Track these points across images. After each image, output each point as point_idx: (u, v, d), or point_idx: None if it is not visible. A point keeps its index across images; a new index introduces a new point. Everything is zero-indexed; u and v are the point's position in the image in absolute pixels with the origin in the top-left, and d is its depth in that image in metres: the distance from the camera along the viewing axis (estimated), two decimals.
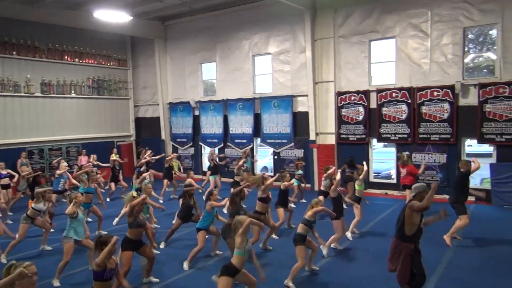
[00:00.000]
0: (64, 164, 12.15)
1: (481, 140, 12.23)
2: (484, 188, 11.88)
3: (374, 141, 14.42)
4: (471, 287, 6.32)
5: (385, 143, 15.22)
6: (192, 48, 18.11)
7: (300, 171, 12.75)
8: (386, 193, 13.60)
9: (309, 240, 6.83)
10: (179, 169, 15.29)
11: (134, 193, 7.08)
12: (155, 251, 7.98)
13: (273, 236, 8.83)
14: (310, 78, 14.60)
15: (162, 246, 8.64)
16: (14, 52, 15.89)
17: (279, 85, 15.82)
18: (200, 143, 18.26)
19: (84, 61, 18.28)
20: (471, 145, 16.98)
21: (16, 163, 14.50)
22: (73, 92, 17.89)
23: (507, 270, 6.94)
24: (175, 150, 19.04)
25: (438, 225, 5.60)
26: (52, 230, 9.05)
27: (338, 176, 8.15)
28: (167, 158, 14.14)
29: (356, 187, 9.20)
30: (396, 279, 5.56)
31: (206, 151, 18.43)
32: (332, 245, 8.03)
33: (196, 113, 18.29)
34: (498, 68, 11.85)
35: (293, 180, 11.05)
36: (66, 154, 17.47)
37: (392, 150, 14.45)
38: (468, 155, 14.14)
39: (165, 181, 13.72)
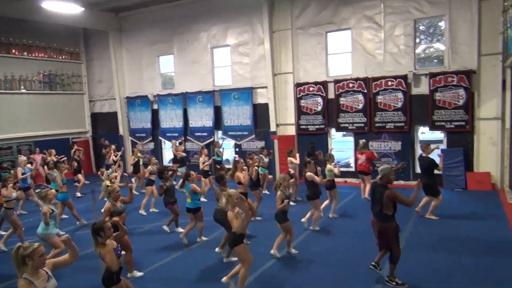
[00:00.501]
0: (22, 158, 11.91)
1: (433, 127, 12.81)
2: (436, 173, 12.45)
3: (333, 131, 14.74)
4: (428, 265, 6.62)
5: (344, 133, 15.58)
6: (148, 41, 17.68)
7: (266, 159, 12.76)
8: (345, 181, 13.95)
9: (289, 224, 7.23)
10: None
11: (108, 182, 6.99)
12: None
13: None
14: (269, 70, 14.68)
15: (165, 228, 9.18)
16: None
17: (238, 77, 15.80)
18: (160, 138, 17.94)
19: (33, 55, 17.44)
20: (424, 133, 17.72)
21: None
22: (22, 87, 17.02)
23: (460, 248, 7.34)
24: (134, 145, 18.55)
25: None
26: None
27: (297, 160, 8.96)
28: (133, 155, 14.16)
29: (327, 173, 9.62)
30: (394, 256, 5.75)
31: (166, 145, 18.15)
32: (311, 227, 8.66)
33: (155, 107, 17.93)
34: (446, 58, 12.41)
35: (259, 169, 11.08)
36: (18, 152, 16.63)
37: (351, 139, 14.83)
38: (421, 142, 14.77)
39: (137, 174, 14.03)
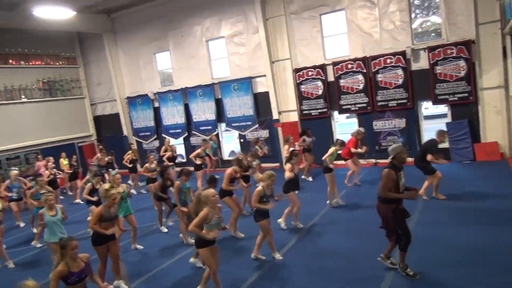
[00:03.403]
0: (14, 172, 11.62)
1: (436, 101, 12.69)
2: (444, 147, 12.38)
3: (335, 113, 14.67)
4: (441, 241, 6.59)
5: (347, 115, 15.51)
6: (143, 39, 17.61)
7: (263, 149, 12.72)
8: (376, 163, 13.57)
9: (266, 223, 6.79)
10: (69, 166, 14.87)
11: (107, 186, 6.80)
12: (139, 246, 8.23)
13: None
14: (267, 58, 14.58)
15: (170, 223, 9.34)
16: None
17: (236, 68, 15.72)
18: (164, 135, 17.99)
19: (31, 63, 17.46)
20: (427, 108, 17.59)
21: None
22: (23, 96, 17.09)
23: (472, 221, 7.30)
24: (139, 145, 18.69)
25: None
26: None
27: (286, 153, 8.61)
28: (127, 156, 14.04)
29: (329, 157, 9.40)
30: (399, 241, 5.47)
31: (171, 142, 18.17)
32: (292, 222, 8.19)
33: (156, 104, 17.94)
34: (444, 30, 12.23)
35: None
36: (26, 161, 16.80)
37: (354, 120, 14.76)
38: (426, 117, 14.70)
39: (133, 175, 14.01)
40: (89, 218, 8.41)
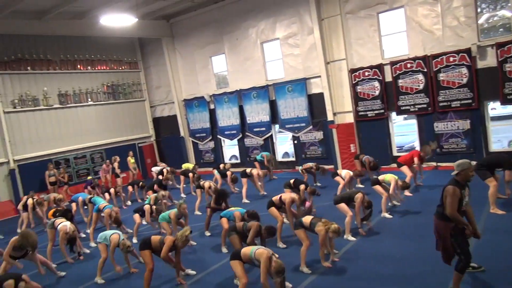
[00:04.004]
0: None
1: (505, 101, 11.87)
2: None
3: (393, 114, 14.18)
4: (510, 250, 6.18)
5: (405, 116, 14.93)
6: (200, 43, 18.10)
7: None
8: (437, 166, 12.98)
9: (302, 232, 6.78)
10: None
11: (187, 232, 6.84)
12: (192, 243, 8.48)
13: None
14: (321, 59, 14.42)
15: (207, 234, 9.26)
16: (28, 67, 16.28)
17: (290, 69, 15.70)
18: (219, 136, 18.35)
19: (96, 68, 18.57)
20: (494, 108, 16.50)
21: (45, 175, 14.97)
22: (89, 99, 18.22)
23: None
24: (195, 145, 19.25)
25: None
26: None
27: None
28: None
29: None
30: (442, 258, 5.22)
31: (225, 143, 18.57)
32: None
33: (212, 106, 18.36)
34: None
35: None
36: (91, 161, 17.88)
37: (413, 122, 14.19)
38: (493, 118, 13.77)
39: (182, 177, 14.40)
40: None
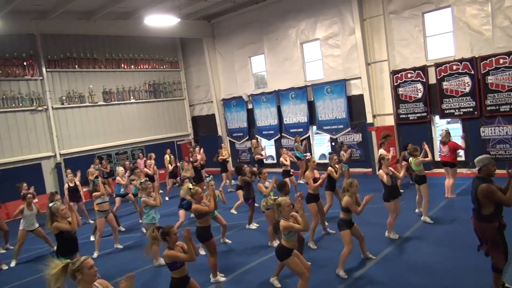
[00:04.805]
0: (120, 169, 12.16)
1: None
2: None
3: (436, 118, 13.70)
4: None
5: (449, 119, 14.38)
6: (239, 43, 18.24)
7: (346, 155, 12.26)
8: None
9: (355, 227, 6.62)
10: (170, 163, 15.24)
11: (190, 185, 7.22)
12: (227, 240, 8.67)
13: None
14: (362, 60, 14.15)
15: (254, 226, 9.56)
16: (76, 66, 17.02)
17: (330, 70, 15.50)
18: (257, 136, 18.42)
19: (139, 67, 19.12)
20: None
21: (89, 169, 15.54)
22: (132, 97, 18.79)
23: None
24: (232, 145, 19.41)
25: None
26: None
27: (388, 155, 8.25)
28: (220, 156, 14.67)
29: (414, 167, 8.68)
30: (494, 263, 4.95)
31: (263, 143, 18.55)
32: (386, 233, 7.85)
33: (250, 106, 18.45)
34: None
35: (341, 165, 10.69)
36: (132, 157, 18.43)
37: (457, 126, 13.64)
38: None
39: (223, 174, 14.53)
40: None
